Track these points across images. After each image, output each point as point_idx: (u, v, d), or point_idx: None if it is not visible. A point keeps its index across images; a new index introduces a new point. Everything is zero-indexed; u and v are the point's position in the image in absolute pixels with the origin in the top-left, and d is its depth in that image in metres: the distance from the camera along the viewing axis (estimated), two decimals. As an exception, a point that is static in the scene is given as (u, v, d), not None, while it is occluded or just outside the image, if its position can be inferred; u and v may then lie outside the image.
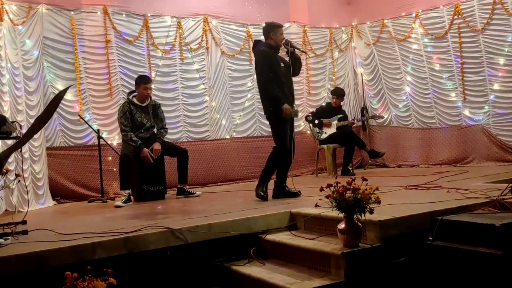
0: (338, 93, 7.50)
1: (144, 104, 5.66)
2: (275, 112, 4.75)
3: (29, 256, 2.89)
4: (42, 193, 5.73)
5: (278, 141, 4.78)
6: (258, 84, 4.93)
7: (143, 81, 5.66)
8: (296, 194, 4.78)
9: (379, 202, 2.92)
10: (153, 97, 5.90)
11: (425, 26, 7.46)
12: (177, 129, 7.00)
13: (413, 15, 7.59)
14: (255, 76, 5.46)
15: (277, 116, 4.74)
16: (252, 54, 6.09)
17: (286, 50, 4.89)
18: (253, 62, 6.46)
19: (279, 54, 4.99)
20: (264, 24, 5.05)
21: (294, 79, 5.05)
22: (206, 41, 7.26)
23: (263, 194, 4.70)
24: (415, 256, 3.06)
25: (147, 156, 5.47)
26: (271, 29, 4.89)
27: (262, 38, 5.06)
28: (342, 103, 7.59)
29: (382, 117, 8.04)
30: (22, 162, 4.83)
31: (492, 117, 6.91)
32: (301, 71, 5.26)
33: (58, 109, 5.96)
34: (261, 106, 5.14)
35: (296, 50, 4.89)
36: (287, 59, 4.88)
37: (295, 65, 4.85)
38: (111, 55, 6.56)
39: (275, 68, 4.76)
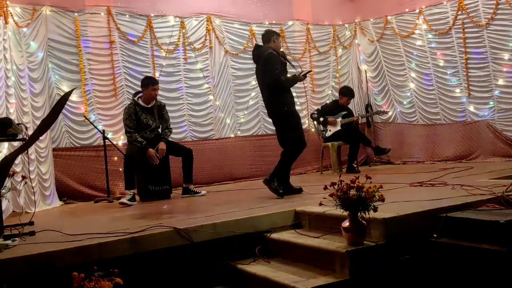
0: (350, 93, 7.44)
1: (149, 106, 5.69)
2: (290, 111, 4.82)
3: (36, 257, 2.92)
4: (49, 194, 5.78)
5: (299, 140, 4.83)
6: (267, 84, 4.87)
7: (151, 82, 5.70)
8: (299, 191, 4.85)
9: (383, 200, 2.92)
10: (157, 98, 5.92)
11: (429, 22, 7.42)
12: (181, 129, 7.02)
13: (417, 11, 7.56)
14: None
15: (292, 113, 4.82)
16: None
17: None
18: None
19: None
20: (263, 31, 5.15)
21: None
22: (210, 40, 7.28)
23: (281, 191, 4.69)
24: (420, 253, 3.06)
25: (154, 156, 5.50)
26: (273, 34, 5.02)
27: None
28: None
29: (387, 113, 8.01)
30: (29, 164, 4.88)
31: (497, 113, 6.89)
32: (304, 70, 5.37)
33: (63, 111, 6.00)
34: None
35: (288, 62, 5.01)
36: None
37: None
38: (115, 56, 6.59)
39: (283, 68, 4.90)
